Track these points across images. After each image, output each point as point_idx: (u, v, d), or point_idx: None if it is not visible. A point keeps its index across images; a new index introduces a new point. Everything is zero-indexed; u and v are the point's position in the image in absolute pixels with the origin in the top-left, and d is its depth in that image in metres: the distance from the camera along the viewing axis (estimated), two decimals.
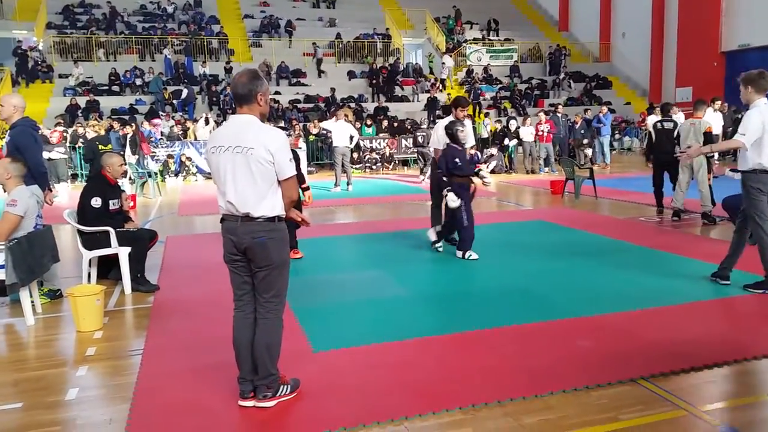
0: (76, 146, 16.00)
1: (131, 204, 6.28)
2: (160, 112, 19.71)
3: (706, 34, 22.39)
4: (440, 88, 24.20)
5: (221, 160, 3.12)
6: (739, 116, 17.30)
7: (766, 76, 4.94)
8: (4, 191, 5.15)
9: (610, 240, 7.42)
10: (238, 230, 3.15)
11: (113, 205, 5.82)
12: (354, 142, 13.88)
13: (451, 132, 6.64)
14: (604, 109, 17.48)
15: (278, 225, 3.19)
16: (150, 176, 13.89)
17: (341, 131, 13.43)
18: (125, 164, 6.07)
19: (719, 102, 13.93)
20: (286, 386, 3.34)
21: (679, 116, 15.37)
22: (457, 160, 6.56)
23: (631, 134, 22.83)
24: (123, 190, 6.32)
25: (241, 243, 3.16)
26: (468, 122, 7.15)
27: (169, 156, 16.71)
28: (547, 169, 15.74)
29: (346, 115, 19.50)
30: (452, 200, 6.47)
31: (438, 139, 7.12)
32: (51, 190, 5.70)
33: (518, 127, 16.76)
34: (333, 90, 22.49)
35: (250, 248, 3.15)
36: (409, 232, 8.08)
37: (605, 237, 7.59)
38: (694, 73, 22.71)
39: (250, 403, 3.29)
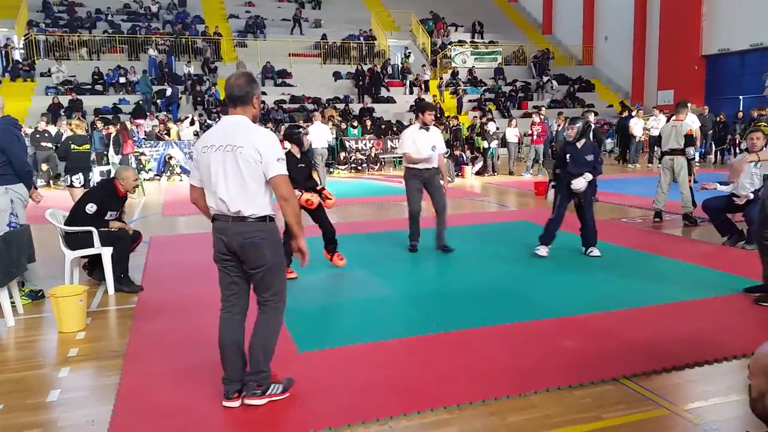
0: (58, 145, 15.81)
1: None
2: (147, 112, 19.52)
3: (688, 39, 22.70)
4: (424, 89, 24.26)
5: (212, 159, 3.11)
6: (718, 119, 17.59)
7: None
8: None
9: None
10: (229, 230, 3.13)
11: (110, 215, 5.76)
12: (327, 144, 14.23)
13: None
14: (591, 116, 17.62)
15: (270, 225, 3.18)
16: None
17: (318, 132, 13.60)
18: (138, 179, 5.95)
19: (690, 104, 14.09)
20: (277, 385, 3.32)
21: (660, 118, 15.62)
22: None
23: (613, 137, 23.04)
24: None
25: (232, 243, 3.14)
26: (435, 129, 7.12)
27: (142, 154, 16.50)
28: (533, 170, 15.83)
29: (331, 117, 19.54)
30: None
31: (404, 143, 7.20)
32: (36, 188, 5.61)
33: (498, 129, 16.80)
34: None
35: (242, 249, 3.14)
36: (394, 233, 8.08)
37: None
38: (675, 76, 23.01)
39: (234, 404, 3.27)
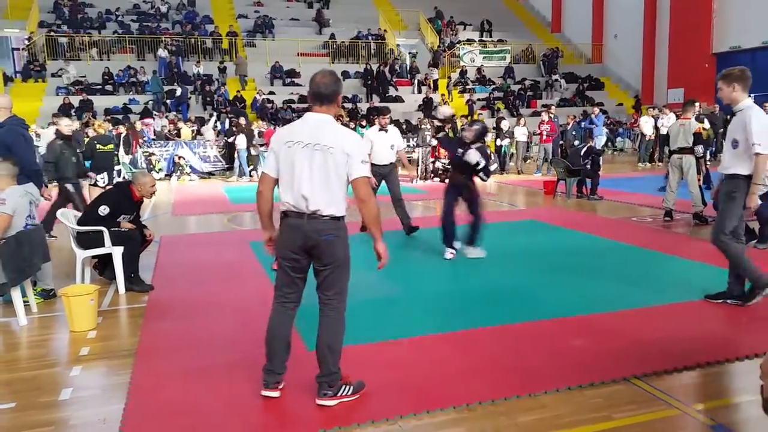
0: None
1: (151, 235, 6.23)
2: (155, 112, 19.63)
3: (698, 36, 22.53)
4: (432, 88, 24.23)
5: (297, 155, 3.11)
6: (728, 117, 17.45)
7: (748, 72, 4.64)
8: None
9: (603, 240, 7.46)
10: (305, 227, 3.14)
11: (124, 219, 5.77)
12: None
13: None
14: (596, 110, 17.56)
15: (343, 224, 3.23)
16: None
17: None
18: (156, 185, 5.95)
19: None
20: (348, 386, 3.32)
21: (670, 117, 15.52)
22: None
23: (623, 135, 22.94)
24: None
25: (308, 240, 3.15)
26: (394, 128, 8.18)
27: (152, 154, 16.57)
28: (543, 169, 15.76)
29: (340, 116, 19.55)
30: None
31: (366, 144, 7.67)
32: (47, 187, 5.65)
33: (509, 127, 16.75)
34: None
35: (316, 246, 3.16)
36: (400, 233, 8.08)
37: (598, 237, 7.63)
38: (685, 75, 22.83)
39: (273, 393, 3.33)
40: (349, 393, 3.32)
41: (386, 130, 7.99)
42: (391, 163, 7.91)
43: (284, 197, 3.18)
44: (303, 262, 3.24)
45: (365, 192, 3.15)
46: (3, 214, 4.87)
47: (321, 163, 3.09)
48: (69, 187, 7.65)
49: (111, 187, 6.72)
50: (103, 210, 5.63)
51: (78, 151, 8.37)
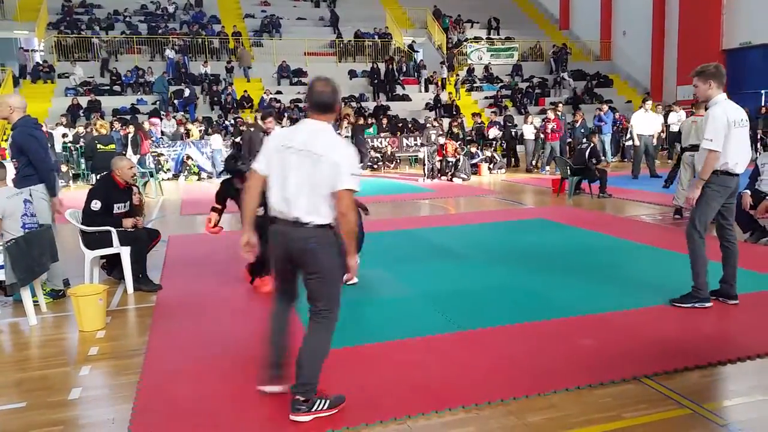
0: (78, 146, 16.03)
1: (140, 200, 6.22)
2: (162, 112, 19.71)
3: (708, 32, 22.35)
4: (441, 86, 24.19)
5: (288, 159, 3.09)
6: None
7: (722, 69, 4.60)
8: None
9: (612, 238, 7.41)
10: (289, 234, 3.12)
11: (118, 208, 5.76)
12: None
13: None
14: (605, 107, 17.46)
15: (328, 232, 3.13)
16: (152, 176, 13.92)
17: None
18: (135, 167, 5.97)
19: (650, 102, 13.81)
20: (323, 400, 3.19)
21: (680, 114, 15.41)
22: None
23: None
24: (135, 186, 6.23)
25: (292, 248, 3.13)
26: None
27: (160, 155, 16.62)
28: (548, 168, 15.69)
29: (347, 115, 19.57)
30: None
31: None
32: (57, 196, 5.61)
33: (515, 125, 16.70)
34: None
35: (299, 254, 3.12)
36: (411, 231, 8.07)
37: (607, 235, 7.59)
38: None
39: (276, 388, 3.33)
40: (325, 407, 3.17)
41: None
42: None
43: (271, 199, 3.16)
44: (289, 268, 3.22)
45: (346, 205, 3.06)
46: None
47: (309, 169, 3.05)
48: None
49: (96, 182, 6.71)
50: (95, 205, 5.60)
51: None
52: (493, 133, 17.33)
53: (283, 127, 11.99)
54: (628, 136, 15.91)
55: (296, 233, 3.09)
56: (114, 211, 5.72)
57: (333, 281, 3.18)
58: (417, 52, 26.34)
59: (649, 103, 13.66)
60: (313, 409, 3.15)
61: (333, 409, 3.21)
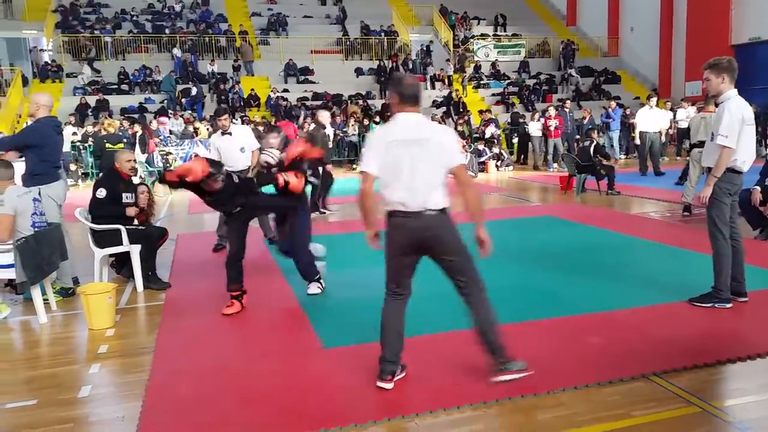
0: (87, 145, 16.12)
1: (150, 199, 6.30)
2: (169, 111, 19.78)
3: (716, 27, 22.18)
4: (448, 83, 24.14)
5: (399, 152, 3.22)
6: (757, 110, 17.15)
7: (735, 63, 4.50)
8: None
9: (620, 235, 7.38)
10: (412, 224, 3.25)
11: (126, 198, 5.84)
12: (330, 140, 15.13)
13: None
14: (613, 104, 17.37)
15: (448, 215, 3.32)
16: (160, 174, 13.97)
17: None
18: (133, 161, 6.08)
19: (655, 99, 13.69)
20: (515, 362, 3.42)
21: (689, 110, 15.32)
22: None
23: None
24: (144, 184, 6.32)
25: (420, 237, 3.26)
26: (240, 129, 7.31)
27: (168, 153, 16.68)
28: (555, 165, 15.64)
29: (354, 113, 19.60)
30: None
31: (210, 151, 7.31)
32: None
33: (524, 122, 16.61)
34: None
35: (431, 241, 3.28)
36: None
37: (615, 233, 7.55)
38: None
39: (388, 385, 3.39)
40: (518, 369, 3.40)
41: (230, 133, 7.11)
42: (246, 168, 6.94)
43: (391, 196, 3.26)
44: (412, 258, 3.37)
45: (467, 178, 3.38)
46: (3, 215, 4.86)
47: (422, 156, 3.21)
48: None
49: (102, 174, 6.84)
50: (100, 192, 5.70)
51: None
52: (490, 131, 17.15)
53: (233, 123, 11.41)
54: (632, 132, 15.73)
55: (422, 222, 3.24)
56: (122, 200, 5.80)
57: (468, 256, 3.38)
58: (431, 51, 26.21)
59: (654, 100, 13.55)
60: (512, 369, 3.39)
61: (523, 372, 3.41)
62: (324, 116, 10.26)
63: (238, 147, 7.06)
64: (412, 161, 3.21)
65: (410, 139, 3.24)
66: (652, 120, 13.08)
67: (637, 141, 13.23)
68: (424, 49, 26.03)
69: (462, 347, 4.02)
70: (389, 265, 3.43)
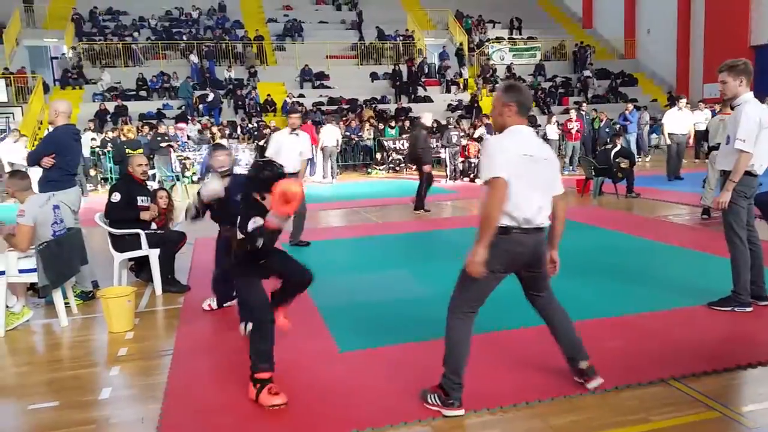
0: (106, 150, 16.34)
1: (169, 203, 6.41)
2: (188, 117, 19.99)
3: (735, 28, 21.92)
4: (462, 88, 24.12)
5: (532, 168, 3.13)
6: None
7: (751, 66, 4.43)
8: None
9: (638, 239, 7.32)
10: (532, 241, 3.20)
11: (142, 201, 5.93)
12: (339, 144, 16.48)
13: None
14: (630, 106, 17.22)
15: None
16: (178, 179, 14.12)
17: (329, 134, 15.78)
18: (145, 164, 6.18)
19: (684, 100, 13.27)
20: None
21: (705, 112, 15.10)
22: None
23: (657, 131, 22.44)
24: (164, 189, 6.43)
25: (535, 254, 3.26)
26: (303, 134, 7.23)
27: (186, 158, 16.82)
28: (571, 167, 15.53)
29: (371, 118, 19.66)
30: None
31: (269, 148, 7.15)
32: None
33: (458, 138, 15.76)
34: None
35: (539, 257, 3.29)
36: (432, 233, 8.07)
37: (633, 236, 7.49)
38: None
39: (461, 412, 3.20)
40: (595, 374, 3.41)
41: (297, 134, 7.06)
42: (296, 172, 6.88)
43: (514, 211, 3.09)
44: (506, 275, 3.30)
45: (564, 203, 3.37)
46: (24, 225, 4.91)
47: (546, 175, 3.21)
48: None
49: (117, 180, 6.98)
50: (115, 197, 5.78)
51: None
52: (479, 132, 16.70)
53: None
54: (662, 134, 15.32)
55: (539, 238, 3.24)
56: (138, 204, 5.88)
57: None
58: (448, 56, 26.22)
59: (683, 101, 13.13)
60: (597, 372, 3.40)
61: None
62: (427, 118, 10.60)
63: (298, 150, 6.99)
64: (543, 179, 3.18)
65: (540, 156, 3.17)
66: (680, 122, 12.80)
67: (668, 141, 12.78)
68: (446, 52, 26.04)
69: (476, 352, 4.01)
70: (483, 283, 3.20)
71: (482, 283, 3.19)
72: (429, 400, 3.25)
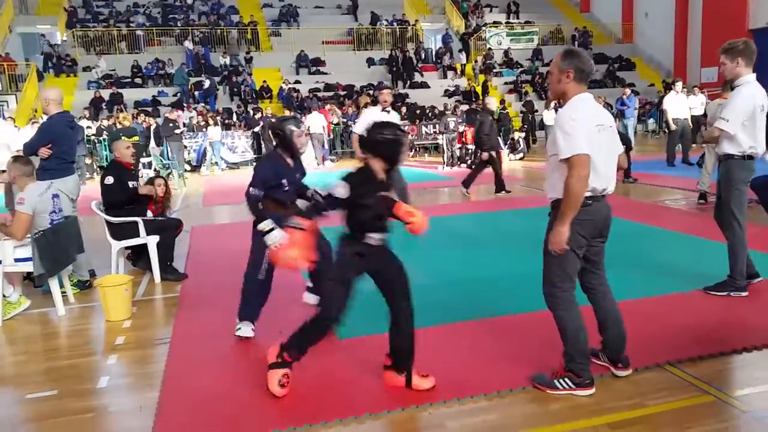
0: (101, 138, 16.27)
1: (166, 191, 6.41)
2: (183, 104, 19.88)
3: (733, 12, 21.79)
4: (459, 73, 24.01)
5: (605, 138, 3.15)
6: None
7: (752, 45, 4.33)
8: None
9: (635, 224, 7.33)
10: (606, 208, 3.24)
11: (132, 185, 5.92)
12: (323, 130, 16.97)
13: (281, 132, 4.20)
14: (628, 91, 17.18)
15: None
16: (174, 167, 14.08)
17: (315, 121, 16.44)
18: (131, 147, 6.22)
19: (680, 84, 13.24)
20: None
21: (699, 97, 15.02)
22: (284, 181, 4.15)
23: (654, 116, 22.42)
24: (161, 177, 6.43)
25: (605, 218, 3.26)
26: (393, 112, 7.11)
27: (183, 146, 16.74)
28: None
29: (367, 104, 19.57)
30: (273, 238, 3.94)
31: (360, 123, 7.16)
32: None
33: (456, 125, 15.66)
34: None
35: (608, 222, 3.28)
36: (430, 219, 8.04)
37: (630, 221, 7.49)
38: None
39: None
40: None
41: (388, 111, 7.06)
42: None
43: (594, 182, 3.08)
44: (593, 246, 3.30)
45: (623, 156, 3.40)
46: (23, 213, 4.92)
47: (614, 141, 3.23)
48: None
49: (106, 166, 7.00)
50: (108, 180, 5.77)
51: None
52: (453, 123, 16.37)
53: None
54: (664, 119, 15.14)
55: (609, 204, 3.27)
56: (128, 187, 5.87)
57: None
58: (450, 41, 26.07)
59: (679, 85, 13.10)
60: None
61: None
62: (491, 102, 10.67)
63: None
64: (612, 146, 3.21)
65: (607, 124, 3.18)
66: (680, 105, 12.74)
67: (673, 126, 12.71)
68: (449, 34, 25.88)
69: (474, 337, 4.04)
70: (572, 258, 3.20)
71: (574, 257, 3.21)
72: (559, 386, 3.22)
